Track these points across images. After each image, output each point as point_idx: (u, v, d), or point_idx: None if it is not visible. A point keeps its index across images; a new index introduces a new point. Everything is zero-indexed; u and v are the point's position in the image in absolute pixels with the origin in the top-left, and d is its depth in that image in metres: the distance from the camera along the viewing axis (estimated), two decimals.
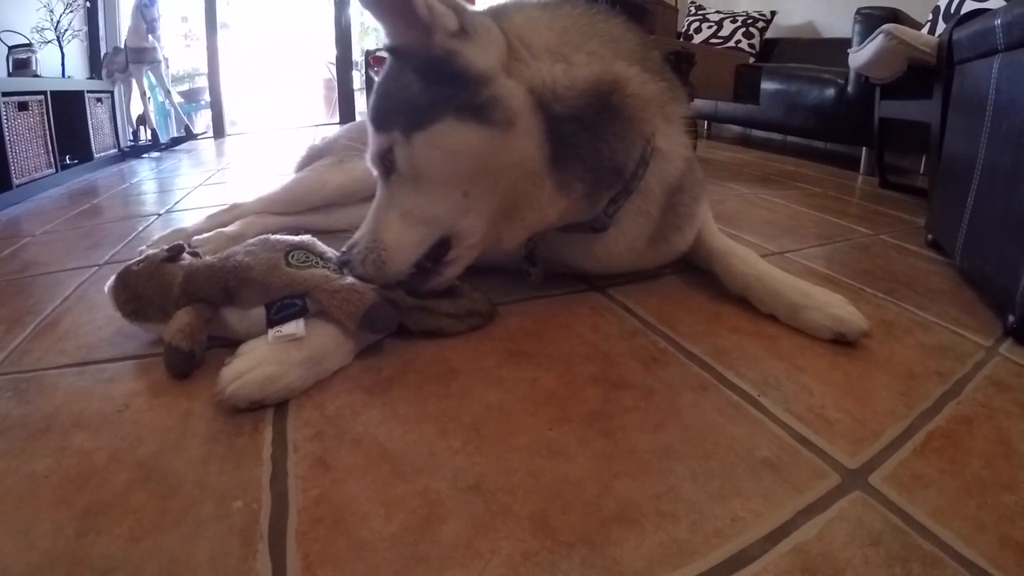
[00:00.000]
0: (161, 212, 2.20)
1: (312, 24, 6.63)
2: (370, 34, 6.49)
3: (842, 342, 0.98)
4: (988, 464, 0.70)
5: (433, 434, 0.73)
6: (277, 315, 0.85)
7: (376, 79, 0.99)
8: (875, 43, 2.14)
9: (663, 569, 0.54)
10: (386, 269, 0.93)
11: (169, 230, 1.55)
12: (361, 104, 5.38)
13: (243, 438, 0.74)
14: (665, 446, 0.71)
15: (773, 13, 4.32)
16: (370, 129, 0.98)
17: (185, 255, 0.99)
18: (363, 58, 4.84)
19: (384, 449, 0.71)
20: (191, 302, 0.92)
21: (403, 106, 0.91)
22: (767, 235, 1.67)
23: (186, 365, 0.87)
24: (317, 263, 0.93)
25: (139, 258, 1.00)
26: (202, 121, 5.93)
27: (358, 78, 5.70)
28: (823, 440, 0.73)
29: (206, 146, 4.67)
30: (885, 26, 2.10)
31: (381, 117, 0.95)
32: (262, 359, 0.81)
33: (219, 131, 5.40)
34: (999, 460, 0.71)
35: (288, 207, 1.62)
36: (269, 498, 0.63)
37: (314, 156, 1.74)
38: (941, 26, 2.29)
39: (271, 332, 0.83)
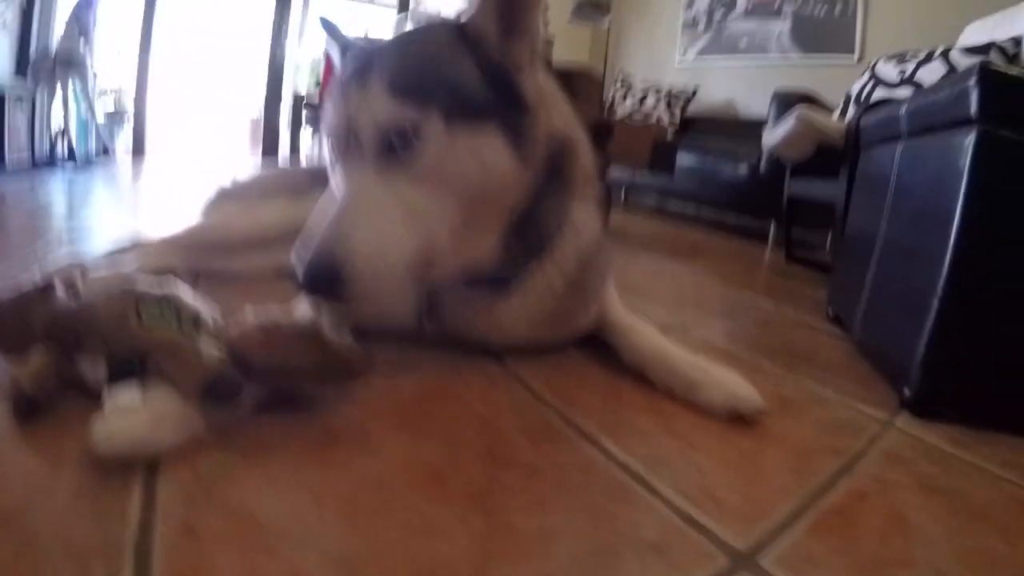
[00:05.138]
0: (65, 235, 2.06)
1: (246, 57, 6.50)
2: (301, 71, 6.42)
3: (738, 419, 0.97)
4: (882, 540, 0.70)
5: (308, 505, 0.68)
6: (116, 377, 0.78)
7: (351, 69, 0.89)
8: (787, 125, 2.26)
9: None
10: (379, 277, 0.83)
11: (66, 262, 1.44)
12: (286, 139, 5.32)
13: (111, 494, 0.66)
14: (548, 527, 0.67)
15: (695, 91, 4.53)
16: (367, 91, 0.84)
17: (61, 290, 0.91)
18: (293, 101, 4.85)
19: (256, 520, 0.65)
20: (49, 343, 0.84)
21: (450, 85, 0.84)
22: (671, 307, 1.70)
23: (26, 408, 0.80)
24: (171, 322, 0.85)
25: (11, 289, 0.91)
26: (121, 142, 5.67)
27: (285, 114, 5.66)
28: (712, 521, 0.71)
29: (123, 166, 4.47)
30: (798, 111, 2.22)
31: (411, 83, 0.83)
32: (136, 413, 0.73)
33: (138, 150, 5.21)
34: (893, 535, 0.71)
35: (191, 251, 1.54)
36: (131, 564, 0.56)
37: (222, 199, 1.68)
38: (852, 111, 2.43)
39: (106, 396, 0.76)
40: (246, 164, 4.87)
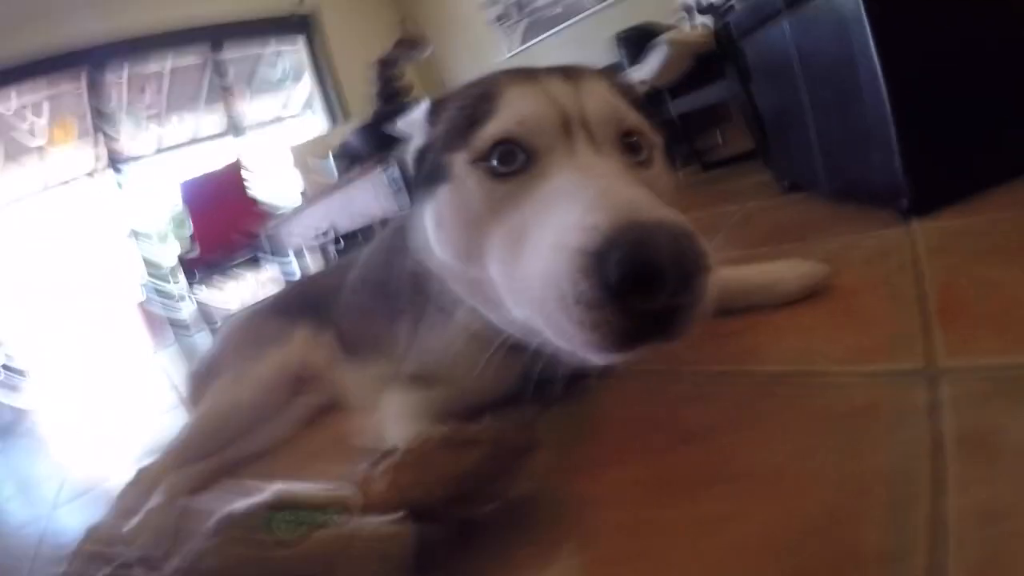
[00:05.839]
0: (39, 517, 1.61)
1: (108, 249, 5.93)
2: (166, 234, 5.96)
3: (815, 294, 1.03)
4: (995, 300, 0.82)
5: None
6: None
7: None
8: (660, 54, 2.39)
9: None
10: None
11: (85, 533, 0.98)
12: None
13: None
14: (780, 451, 0.68)
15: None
16: (593, 89, 0.74)
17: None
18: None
19: None
20: None
21: (649, 112, 0.81)
22: None
23: None
24: (312, 519, 0.65)
25: None
26: (27, 397, 5.01)
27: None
28: (884, 364, 0.77)
29: (40, 419, 3.85)
30: (663, 37, 2.36)
31: (630, 97, 0.79)
32: None
33: (44, 398, 4.69)
34: (996, 296, 0.83)
35: (209, 448, 1.27)
36: None
37: (202, 380, 1.45)
38: (696, 17, 2.59)
39: None
40: (150, 350, 4.61)
